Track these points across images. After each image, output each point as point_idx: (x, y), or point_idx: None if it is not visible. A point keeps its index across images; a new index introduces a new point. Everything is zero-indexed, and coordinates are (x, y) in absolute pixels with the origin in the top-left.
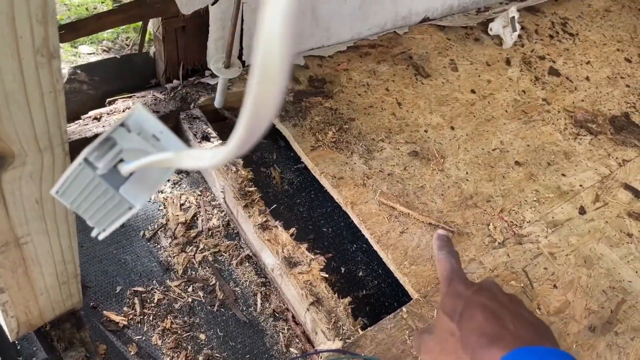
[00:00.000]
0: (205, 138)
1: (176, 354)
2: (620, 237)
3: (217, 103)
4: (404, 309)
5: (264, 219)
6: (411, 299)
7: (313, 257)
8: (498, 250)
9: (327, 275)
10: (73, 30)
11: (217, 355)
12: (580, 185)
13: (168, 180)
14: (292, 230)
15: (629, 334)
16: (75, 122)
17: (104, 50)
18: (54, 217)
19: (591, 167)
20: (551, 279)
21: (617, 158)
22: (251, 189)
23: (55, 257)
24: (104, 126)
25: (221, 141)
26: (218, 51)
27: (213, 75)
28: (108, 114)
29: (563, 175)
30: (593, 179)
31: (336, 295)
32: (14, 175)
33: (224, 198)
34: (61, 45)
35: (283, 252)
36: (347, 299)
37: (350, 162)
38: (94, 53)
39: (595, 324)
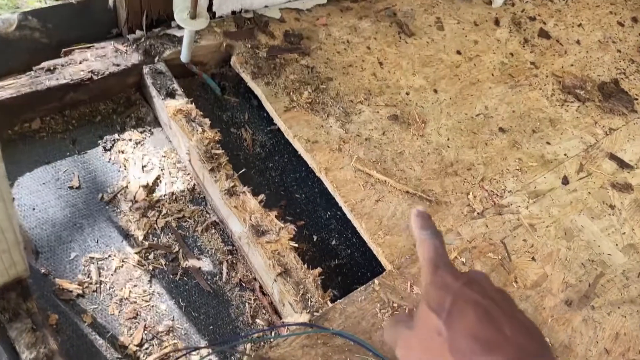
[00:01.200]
0: (170, 95)
1: (134, 325)
2: (602, 208)
3: (184, 57)
4: (376, 281)
5: (232, 184)
6: (384, 270)
7: (282, 225)
8: (477, 221)
9: (296, 245)
10: None
11: (178, 326)
12: (565, 155)
13: (130, 140)
14: (261, 196)
15: (606, 309)
16: (27, 73)
17: None
18: None
19: (577, 135)
20: (530, 251)
21: (603, 126)
22: (218, 151)
23: None
24: (57, 79)
25: (187, 98)
26: (185, 1)
27: (180, 27)
28: (63, 65)
29: (548, 143)
30: (578, 147)
31: (306, 265)
32: None
33: (190, 160)
34: None
35: (251, 219)
36: (317, 270)
37: (326, 125)
38: None
39: (572, 297)
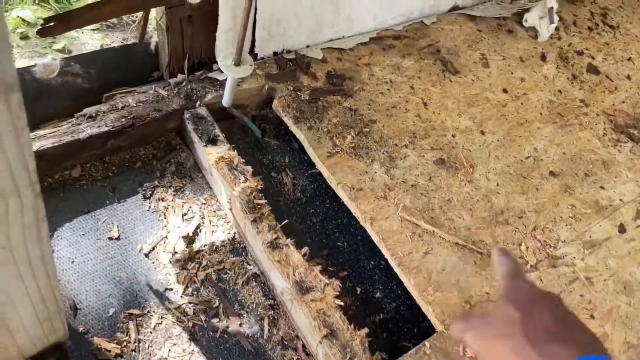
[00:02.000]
0: (212, 141)
1: None
2: None
3: (226, 102)
4: (426, 343)
5: (274, 236)
6: (433, 326)
7: (327, 281)
8: (530, 275)
9: (342, 303)
10: (64, 23)
11: None
12: (620, 200)
13: (169, 187)
14: (305, 249)
15: None
16: (68, 121)
17: (108, 27)
18: (28, 261)
19: (632, 178)
20: (588, 307)
21: None
22: (261, 201)
23: (33, 297)
24: (99, 126)
25: (229, 144)
26: (228, 44)
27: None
28: (104, 112)
29: (602, 187)
30: (634, 192)
31: (352, 326)
32: None
33: (231, 209)
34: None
35: (294, 275)
36: (364, 331)
37: (370, 171)
38: (97, 30)
39: (634, 359)
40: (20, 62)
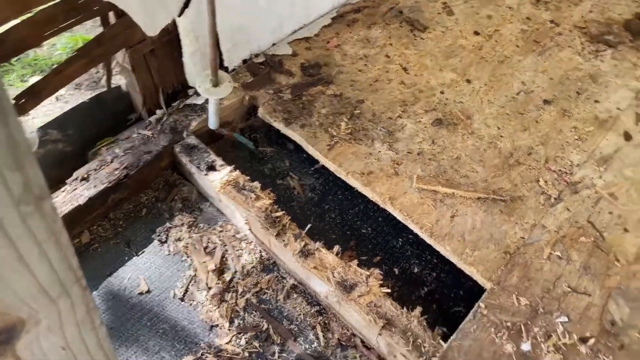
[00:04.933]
0: (211, 168)
1: None
2: None
3: (212, 124)
4: (481, 304)
5: (302, 244)
6: (478, 283)
7: (367, 272)
8: (556, 207)
9: (389, 290)
10: (34, 96)
11: None
12: (618, 108)
13: (182, 225)
14: (336, 248)
15: None
16: (62, 189)
17: (75, 88)
18: (87, 351)
19: (621, 84)
20: (619, 222)
21: None
22: (278, 214)
23: None
24: (95, 186)
25: (229, 166)
26: (196, 65)
27: (198, 92)
28: (95, 169)
29: (596, 101)
30: (627, 97)
31: (405, 309)
32: (28, 339)
33: (250, 229)
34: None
35: (334, 276)
36: (418, 310)
37: (374, 151)
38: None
39: None
40: None
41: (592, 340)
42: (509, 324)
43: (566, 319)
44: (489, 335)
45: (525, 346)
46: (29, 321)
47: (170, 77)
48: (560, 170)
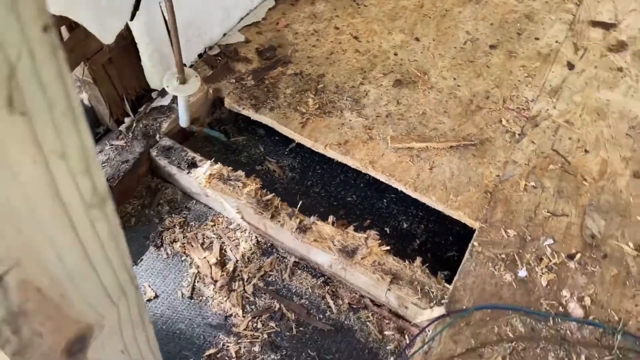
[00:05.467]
0: (193, 165)
1: None
2: (614, 74)
3: (183, 122)
4: (475, 243)
5: (298, 221)
6: (464, 227)
7: (365, 235)
8: (522, 142)
9: (388, 248)
10: None
11: None
12: (556, 42)
13: (174, 226)
14: (331, 218)
15: None
16: None
17: None
18: (139, 350)
19: (555, 18)
20: (579, 145)
21: None
22: (268, 196)
23: None
24: None
25: (209, 160)
26: (156, 66)
27: (162, 93)
28: None
29: (536, 39)
30: (562, 29)
31: (406, 261)
32: (95, 346)
33: (243, 217)
34: None
35: (335, 244)
36: (419, 260)
37: (345, 121)
38: None
39: (636, 169)
40: None
41: (578, 255)
42: (503, 255)
43: (552, 241)
44: (487, 269)
45: (522, 272)
46: (96, 327)
47: (132, 82)
48: (518, 107)
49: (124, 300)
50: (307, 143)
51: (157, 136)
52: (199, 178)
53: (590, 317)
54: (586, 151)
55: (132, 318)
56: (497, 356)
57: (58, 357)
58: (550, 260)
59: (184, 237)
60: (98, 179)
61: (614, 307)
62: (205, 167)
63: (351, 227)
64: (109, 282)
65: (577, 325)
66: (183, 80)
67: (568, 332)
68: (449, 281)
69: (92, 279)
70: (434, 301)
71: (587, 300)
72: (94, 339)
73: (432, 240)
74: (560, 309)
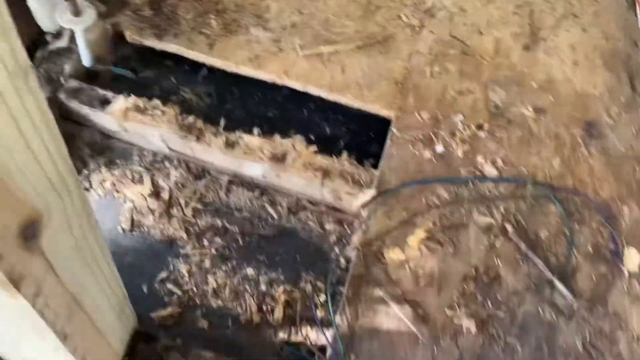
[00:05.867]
0: (106, 102)
1: (243, 302)
2: None
3: (87, 61)
4: (393, 129)
5: (225, 138)
6: (383, 122)
7: (292, 140)
8: (422, 33)
9: (316, 149)
10: None
11: (275, 276)
12: None
13: (99, 168)
14: (256, 130)
15: (552, 37)
16: None
17: None
18: (93, 255)
19: None
20: (474, 29)
21: None
22: (190, 119)
23: (106, 292)
24: None
25: (121, 94)
26: (44, 5)
27: (57, 35)
28: None
29: None
30: None
31: (334, 157)
32: (49, 235)
33: (168, 146)
34: None
35: (265, 153)
36: (344, 154)
37: (252, 37)
38: None
39: (525, 42)
40: None
41: (486, 125)
42: (420, 136)
43: (462, 117)
44: (408, 150)
45: (439, 148)
46: (44, 214)
47: (22, 28)
48: (414, 3)
49: (66, 192)
50: (218, 63)
51: (62, 79)
52: (116, 113)
53: (504, 175)
54: (481, 33)
55: (77, 212)
56: (428, 222)
57: (14, 240)
58: (463, 133)
59: (112, 176)
60: (15, 44)
61: (523, 163)
62: (120, 102)
63: (277, 136)
64: (49, 169)
65: (493, 184)
66: (77, 12)
67: (487, 190)
68: (375, 167)
69: (30, 159)
70: (365, 186)
71: (500, 162)
72: (44, 226)
73: (355, 140)
74: (477, 173)
